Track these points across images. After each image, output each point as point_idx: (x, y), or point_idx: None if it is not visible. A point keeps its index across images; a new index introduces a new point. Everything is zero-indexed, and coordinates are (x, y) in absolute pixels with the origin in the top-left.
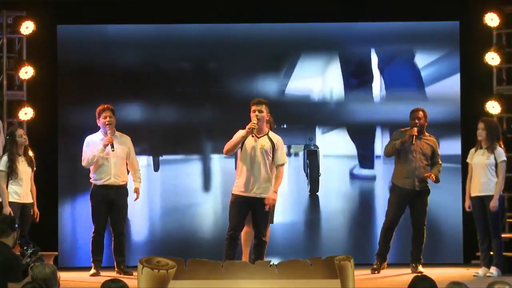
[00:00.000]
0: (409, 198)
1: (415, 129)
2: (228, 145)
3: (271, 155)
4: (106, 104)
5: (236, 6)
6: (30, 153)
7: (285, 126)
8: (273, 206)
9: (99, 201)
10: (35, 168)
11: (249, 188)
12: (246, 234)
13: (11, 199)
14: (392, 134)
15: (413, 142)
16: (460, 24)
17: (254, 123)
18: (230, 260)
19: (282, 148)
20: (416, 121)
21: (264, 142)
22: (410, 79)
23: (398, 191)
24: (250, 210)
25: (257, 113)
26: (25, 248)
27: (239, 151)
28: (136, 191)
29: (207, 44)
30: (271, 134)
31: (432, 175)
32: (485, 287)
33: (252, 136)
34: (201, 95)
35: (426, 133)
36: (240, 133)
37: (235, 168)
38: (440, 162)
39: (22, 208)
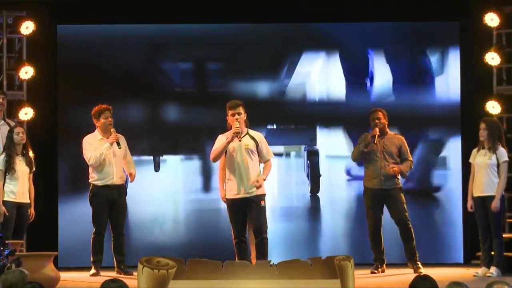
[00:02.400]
0: (381, 198)
1: (377, 129)
2: (214, 153)
3: (256, 153)
4: (103, 104)
5: (236, 6)
6: (31, 154)
7: (285, 126)
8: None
9: (102, 201)
10: (34, 169)
11: (242, 189)
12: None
13: (6, 198)
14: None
15: (375, 142)
16: (460, 24)
17: (237, 127)
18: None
19: (265, 144)
20: (377, 121)
21: (247, 141)
22: (410, 79)
23: (370, 192)
24: (246, 210)
25: (236, 116)
26: (1, 249)
27: (222, 156)
28: (131, 174)
29: (207, 44)
30: (251, 132)
31: (395, 168)
32: (484, 287)
33: (238, 140)
34: (201, 95)
35: (391, 132)
36: (223, 138)
37: (219, 176)
38: (410, 159)
39: (18, 208)
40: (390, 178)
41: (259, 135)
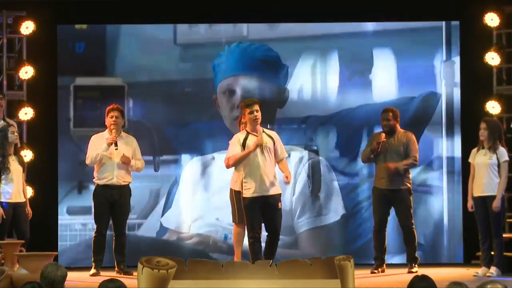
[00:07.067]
0: (388, 198)
1: (383, 135)
2: (232, 160)
3: (273, 151)
4: (116, 104)
5: (236, 6)
6: (29, 153)
7: (285, 126)
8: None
9: (102, 200)
10: (25, 168)
11: (262, 188)
12: (238, 234)
13: (2, 199)
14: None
15: (379, 148)
16: (460, 24)
17: (260, 139)
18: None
19: (280, 143)
20: (385, 122)
21: (265, 140)
22: (410, 79)
23: (377, 191)
24: (262, 209)
25: (255, 113)
26: None
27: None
28: (130, 163)
29: (207, 44)
30: (266, 130)
31: (391, 165)
32: (476, 286)
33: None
34: (201, 95)
35: (401, 130)
36: (238, 140)
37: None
38: (413, 155)
39: (15, 208)
40: (396, 178)
41: (275, 134)
